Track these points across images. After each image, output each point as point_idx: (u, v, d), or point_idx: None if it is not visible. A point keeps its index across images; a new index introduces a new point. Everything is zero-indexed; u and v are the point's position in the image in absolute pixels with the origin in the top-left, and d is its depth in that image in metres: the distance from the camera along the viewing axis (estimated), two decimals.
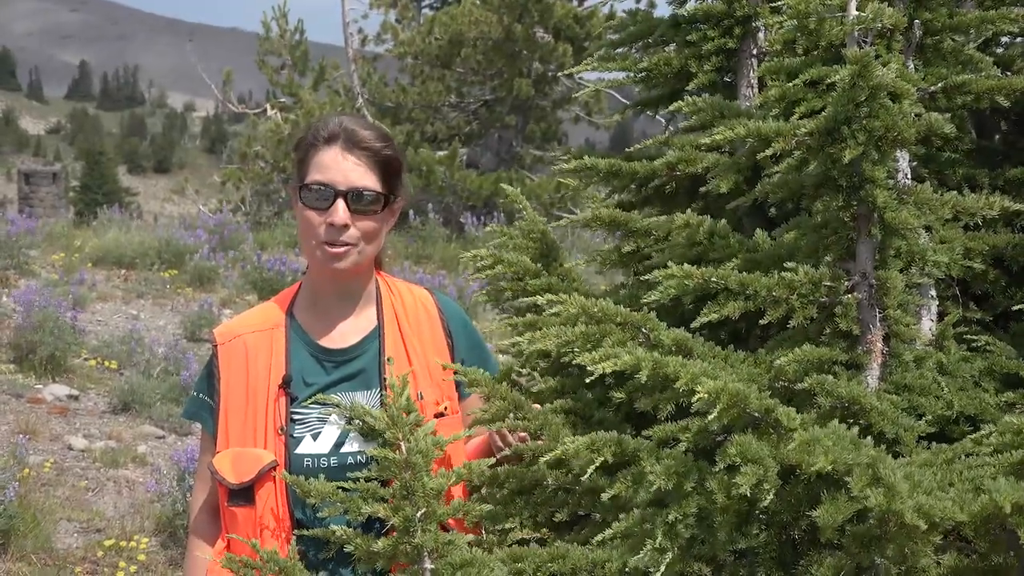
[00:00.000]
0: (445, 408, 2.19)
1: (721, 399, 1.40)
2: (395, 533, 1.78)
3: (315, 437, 2.15)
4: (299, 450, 2.13)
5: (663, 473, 1.48)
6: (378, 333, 2.23)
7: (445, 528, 1.88)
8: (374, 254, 2.22)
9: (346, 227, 2.10)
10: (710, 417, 1.40)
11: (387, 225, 2.22)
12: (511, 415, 1.80)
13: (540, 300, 1.76)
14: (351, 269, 2.16)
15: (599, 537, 1.55)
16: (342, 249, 2.12)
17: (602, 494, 1.60)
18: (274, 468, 2.10)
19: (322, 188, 2.11)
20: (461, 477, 1.82)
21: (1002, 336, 2.09)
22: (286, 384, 2.16)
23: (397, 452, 1.78)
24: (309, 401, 2.16)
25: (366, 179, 2.13)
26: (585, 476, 1.56)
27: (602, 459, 1.57)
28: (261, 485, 2.10)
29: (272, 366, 2.19)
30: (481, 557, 1.63)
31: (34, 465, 6.01)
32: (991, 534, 1.42)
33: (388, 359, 2.19)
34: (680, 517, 1.46)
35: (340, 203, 2.10)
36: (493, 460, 1.96)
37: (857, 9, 1.71)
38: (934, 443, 1.70)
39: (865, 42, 1.71)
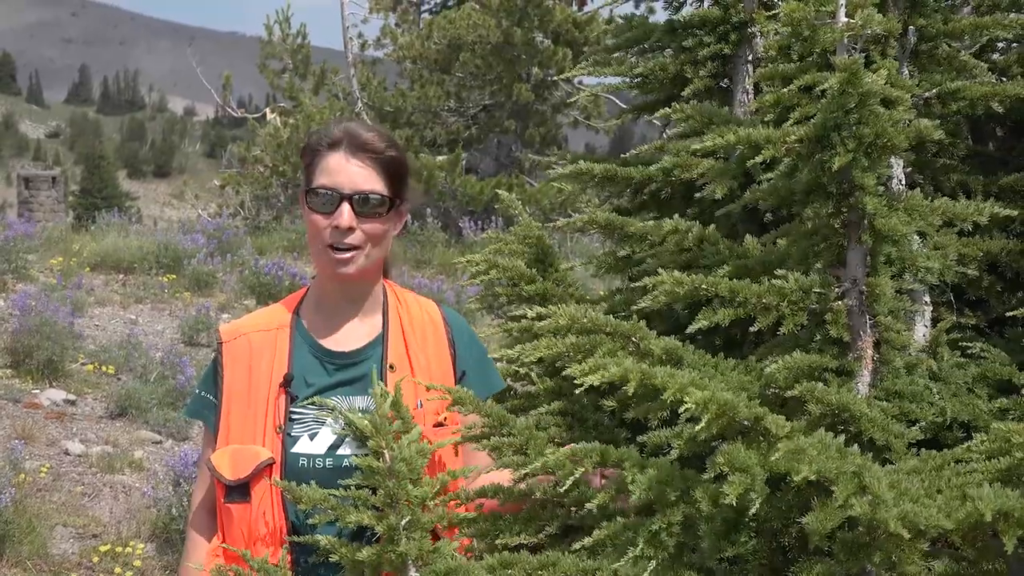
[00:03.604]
0: (445, 418, 2.19)
1: (709, 409, 1.39)
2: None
3: (312, 437, 2.15)
4: (295, 449, 2.13)
5: (646, 483, 1.48)
6: (382, 339, 2.23)
7: (439, 536, 1.87)
8: (380, 258, 2.23)
9: (351, 230, 2.12)
10: (698, 428, 1.40)
11: (394, 228, 2.23)
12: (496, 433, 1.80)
13: (529, 313, 1.76)
14: (357, 273, 2.17)
15: (578, 544, 1.54)
16: (349, 254, 2.13)
17: (587, 504, 1.60)
18: (270, 465, 2.10)
19: (327, 192, 2.13)
20: (445, 484, 1.82)
21: (997, 342, 2.08)
22: (287, 383, 2.17)
23: (381, 460, 1.77)
24: (307, 401, 2.16)
25: (371, 182, 2.14)
26: (564, 487, 1.55)
27: (583, 470, 1.57)
28: (257, 482, 2.10)
29: (275, 365, 2.20)
30: (466, 565, 1.62)
31: (30, 470, 6.00)
32: (979, 541, 1.42)
33: (390, 366, 2.19)
34: (664, 526, 1.46)
35: (345, 206, 2.12)
36: (480, 484, 1.95)
37: (848, 16, 1.71)
38: (925, 450, 1.69)
39: (855, 48, 1.70)
